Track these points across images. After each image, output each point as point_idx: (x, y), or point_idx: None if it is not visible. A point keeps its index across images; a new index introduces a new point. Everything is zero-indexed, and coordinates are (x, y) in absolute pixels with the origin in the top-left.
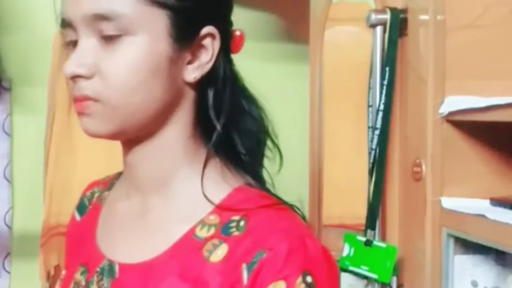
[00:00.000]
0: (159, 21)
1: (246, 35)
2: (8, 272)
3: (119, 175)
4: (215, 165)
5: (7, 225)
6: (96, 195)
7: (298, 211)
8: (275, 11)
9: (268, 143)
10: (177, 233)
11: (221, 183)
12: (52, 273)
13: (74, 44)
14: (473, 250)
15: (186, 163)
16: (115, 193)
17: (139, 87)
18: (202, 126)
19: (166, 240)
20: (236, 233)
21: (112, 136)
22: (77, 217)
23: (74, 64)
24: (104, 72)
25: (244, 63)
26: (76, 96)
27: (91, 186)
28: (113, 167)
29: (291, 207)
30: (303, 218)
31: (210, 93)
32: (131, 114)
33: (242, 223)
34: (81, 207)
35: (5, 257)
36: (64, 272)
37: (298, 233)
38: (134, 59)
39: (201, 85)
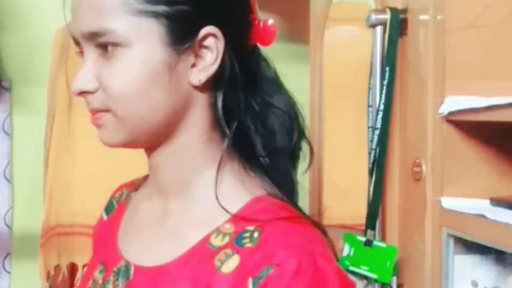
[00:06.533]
0: (151, 30)
1: None
2: (8, 272)
3: (146, 177)
4: (238, 170)
5: (7, 225)
6: (124, 196)
7: (319, 226)
8: (275, 11)
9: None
10: (193, 238)
11: (241, 191)
12: (52, 273)
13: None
14: (473, 250)
15: (206, 167)
16: (140, 195)
17: (139, 97)
18: (221, 130)
19: (182, 246)
20: (249, 245)
21: (125, 145)
22: (104, 217)
23: (80, 81)
24: (105, 85)
25: None
26: (89, 110)
27: (120, 187)
28: (113, 167)
29: (313, 222)
30: (324, 233)
31: (219, 95)
32: (137, 123)
33: (256, 234)
34: (108, 208)
35: (5, 257)
36: (85, 269)
37: (310, 249)
38: (129, 69)
39: (213, 88)
